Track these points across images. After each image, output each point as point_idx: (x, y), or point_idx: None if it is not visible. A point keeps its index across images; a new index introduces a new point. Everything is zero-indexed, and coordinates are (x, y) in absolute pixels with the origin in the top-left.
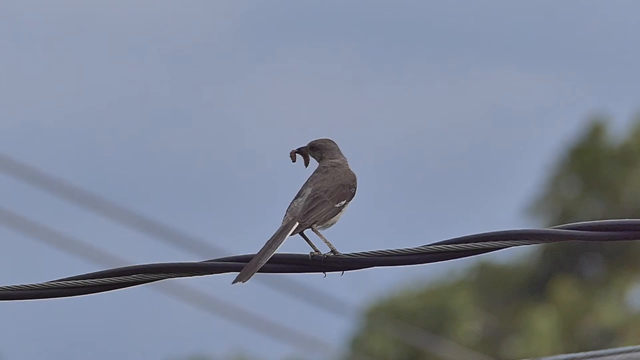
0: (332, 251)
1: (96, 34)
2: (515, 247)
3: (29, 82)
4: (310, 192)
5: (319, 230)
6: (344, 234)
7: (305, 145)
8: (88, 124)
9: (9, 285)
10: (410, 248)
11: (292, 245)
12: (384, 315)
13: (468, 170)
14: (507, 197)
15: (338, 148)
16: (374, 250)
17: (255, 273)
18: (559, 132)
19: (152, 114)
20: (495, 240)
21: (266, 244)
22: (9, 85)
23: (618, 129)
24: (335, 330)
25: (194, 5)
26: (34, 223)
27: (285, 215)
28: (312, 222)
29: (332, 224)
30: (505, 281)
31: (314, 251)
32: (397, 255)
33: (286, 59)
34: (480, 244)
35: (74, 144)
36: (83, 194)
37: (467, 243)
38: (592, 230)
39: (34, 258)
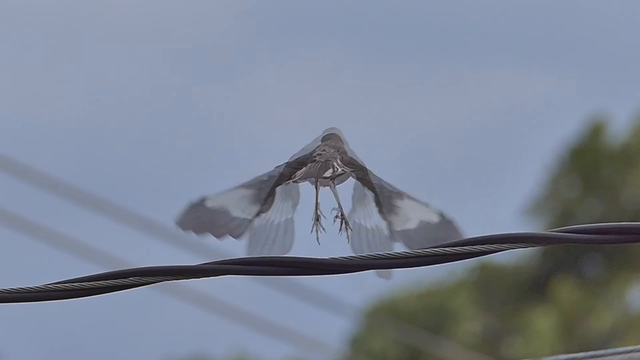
0: (341, 216)
1: (96, 34)
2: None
3: (29, 82)
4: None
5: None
6: (342, 234)
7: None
8: (88, 123)
9: (5, 288)
10: (407, 251)
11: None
12: (383, 315)
13: (467, 170)
14: (507, 197)
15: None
16: (370, 253)
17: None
18: (559, 132)
19: (151, 114)
20: (493, 244)
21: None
22: (9, 84)
23: (618, 129)
24: (335, 330)
25: (194, 4)
26: (33, 223)
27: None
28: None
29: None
30: (505, 281)
31: (318, 212)
32: (394, 258)
33: (286, 58)
34: (478, 247)
35: (73, 144)
36: (82, 193)
37: (464, 246)
38: (591, 234)
39: (33, 258)
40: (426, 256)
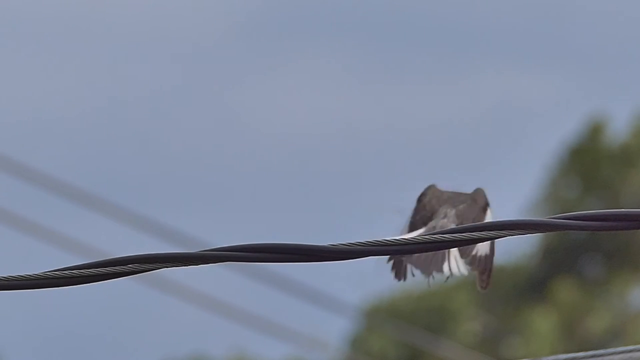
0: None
1: (98, 33)
2: (514, 247)
3: (29, 81)
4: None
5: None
6: (343, 225)
7: None
8: (89, 123)
9: (3, 275)
10: (405, 237)
11: (287, 237)
12: (383, 315)
13: (467, 170)
14: (507, 197)
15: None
16: (370, 240)
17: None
18: (559, 132)
19: (153, 114)
20: (490, 230)
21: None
22: (9, 84)
23: (618, 129)
24: (335, 330)
25: (198, 6)
26: (32, 222)
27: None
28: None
29: None
30: (505, 281)
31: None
32: (392, 245)
33: (289, 58)
34: (476, 234)
35: (74, 144)
36: (81, 192)
37: (462, 233)
38: (588, 221)
39: (32, 256)
40: (425, 242)
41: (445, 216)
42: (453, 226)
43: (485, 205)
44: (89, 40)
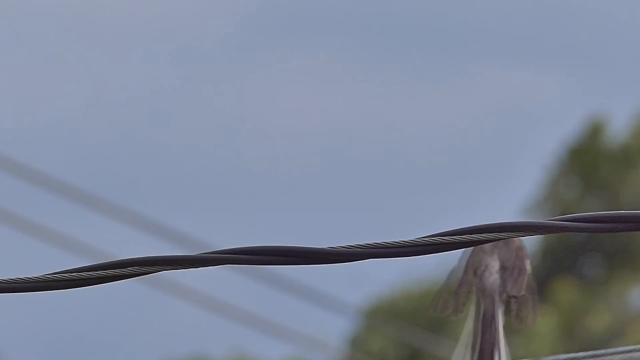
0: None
1: (98, 33)
2: None
3: (29, 81)
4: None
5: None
6: (343, 226)
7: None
8: (88, 123)
9: (3, 278)
10: (405, 240)
11: (287, 238)
12: (383, 315)
13: (467, 170)
14: (507, 197)
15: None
16: (370, 243)
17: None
18: (559, 132)
19: (153, 113)
20: (490, 232)
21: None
22: (9, 84)
23: (618, 129)
24: (335, 330)
25: (197, 6)
26: (32, 222)
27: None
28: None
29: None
30: None
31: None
32: (392, 247)
33: (288, 59)
34: (476, 236)
35: (73, 144)
36: (81, 192)
37: (462, 235)
38: (588, 222)
39: (33, 257)
40: (424, 245)
41: (486, 269)
42: (497, 278)
43: (521, 245)
44: (89, 40)
